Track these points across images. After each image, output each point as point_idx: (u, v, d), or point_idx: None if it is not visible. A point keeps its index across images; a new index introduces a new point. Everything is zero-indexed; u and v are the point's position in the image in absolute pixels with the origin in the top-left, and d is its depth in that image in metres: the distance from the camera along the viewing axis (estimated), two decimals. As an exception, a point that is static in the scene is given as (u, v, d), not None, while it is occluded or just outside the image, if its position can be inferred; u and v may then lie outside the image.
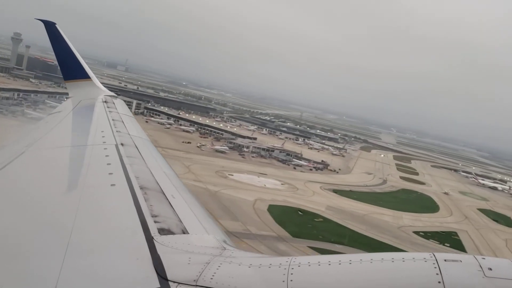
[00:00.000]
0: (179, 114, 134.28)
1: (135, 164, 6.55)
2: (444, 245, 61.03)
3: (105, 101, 12.53)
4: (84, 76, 14.20)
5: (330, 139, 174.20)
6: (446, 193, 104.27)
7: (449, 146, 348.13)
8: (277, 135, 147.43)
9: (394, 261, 3.06)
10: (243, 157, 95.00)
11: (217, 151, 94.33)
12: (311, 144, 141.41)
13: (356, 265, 3.11)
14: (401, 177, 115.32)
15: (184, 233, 4.26)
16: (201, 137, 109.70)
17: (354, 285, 2.99)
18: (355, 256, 3.23)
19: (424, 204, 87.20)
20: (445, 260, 2.94)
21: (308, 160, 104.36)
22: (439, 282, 2.79)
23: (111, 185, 5.56)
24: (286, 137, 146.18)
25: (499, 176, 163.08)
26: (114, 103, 12.69)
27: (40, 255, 3.74)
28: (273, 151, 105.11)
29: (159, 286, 3.10)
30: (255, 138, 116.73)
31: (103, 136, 8.19)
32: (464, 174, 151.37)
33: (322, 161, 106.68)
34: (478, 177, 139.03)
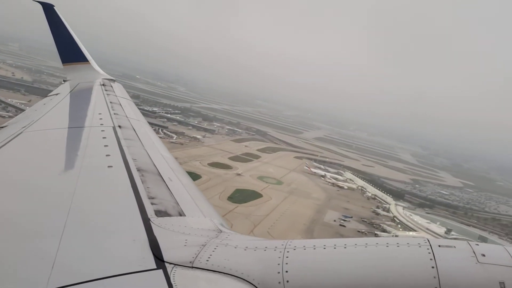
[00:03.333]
0: (29, 101, 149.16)
1: (133, 146, 6.82)
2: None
3: (103, 84, 12.95)
4: (82, 59, 14.82)
5: (205, 130, 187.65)
6: (238, 174, 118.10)
7: (389, 143, 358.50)
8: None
9: (388, 246, 3.30)
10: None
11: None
12: (159, 134, 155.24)
13: (351, 249, 3.36)
14: (211, 163, 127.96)
15: (180, 215, 4.47)
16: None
17: (348, 269, 3.19)
18: (350, 241, 3.49)
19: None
20: (439, 246, 3.17)
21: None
22: (433, 267, 2.98)
23: (108, 166, 5.71)
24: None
25: (364, 169, 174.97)
26: (112, 87, 13.10)
27: (37, 236, 3.82)
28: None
29: (155, 267, 3.26)
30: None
31: (100, 118, 8.44)
32: (316, 164, 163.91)
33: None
34: (311, 167, 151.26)
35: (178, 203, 4.83)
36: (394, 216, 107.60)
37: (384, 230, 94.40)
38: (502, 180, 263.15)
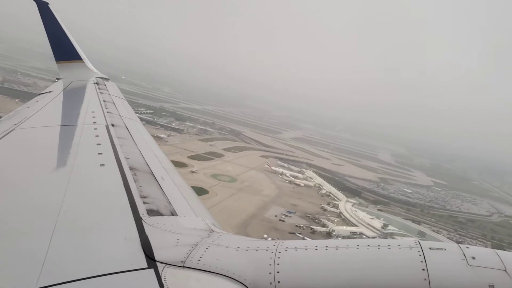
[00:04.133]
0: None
1: (125, 145, 6.91)
2: None
3: (97, 83, 13.18)
4: (76, 57, 15.07)
5: (173, 129, 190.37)
6: (192, 172, 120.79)
7: (373, 144, 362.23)
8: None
9: (380, 248, 3.37)
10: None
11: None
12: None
13: (342, 251, 3.43)
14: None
15: (173, 214, 4.54)
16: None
17: (339, 270, 3.28)
18: (341, 242, 3.56)
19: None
20: (430, 248, 3.25)
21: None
22: (423, 269, 3.06)
23: (101, 165, 5.79)
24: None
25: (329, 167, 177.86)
26: (105, 85, 13.37)
27: (28, 234, 3.86)
28: None
29: (146, 266, 3.29)
30: None
31: (93, 117, 8.58)
32: (280, 162, 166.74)
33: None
34: (271, 165, 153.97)
35: (170, 203, 4.90)
36: (340, 212, 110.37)
37: (324, 225, 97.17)
38: (479, 180, 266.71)
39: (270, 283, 3.27)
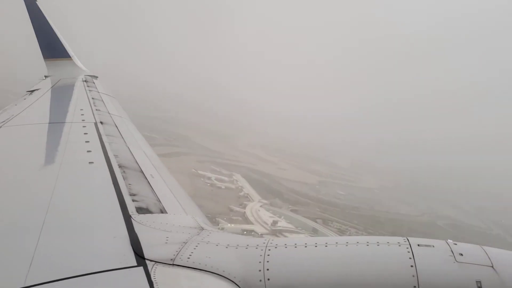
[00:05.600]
0: None
1: (114, 143, 7.05)
2: None
3: (85, 81, 13.41)
4: (65, 55, 15.26)
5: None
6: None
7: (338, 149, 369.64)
8: None
9: (369, 245, 3.49)
10: None
11: None
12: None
13: (332, 248, 3.55)
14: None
15: (162, 212, 4.64)
16: None
17: (329, 267, 3.37)
18: (331, 239, 3.70)
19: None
20: (418, 245, 3.38)
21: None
22: (412, 266, 3.17)
23: (89, 162, 5.90)
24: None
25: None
26: (94, 83, 13.60)
27: (15, 232, 3.91)
28: None
29: (136, 264, 3.35)
30: None
31: (82, 114, 8.78)
32: (214, 167, 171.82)
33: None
34: (197, 169, 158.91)
35: (159, 200, 4.99)
36: (245, 212, 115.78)
37: (218, 223, 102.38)
38: (438, 184, 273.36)
39: (260, 280, 3.37)
